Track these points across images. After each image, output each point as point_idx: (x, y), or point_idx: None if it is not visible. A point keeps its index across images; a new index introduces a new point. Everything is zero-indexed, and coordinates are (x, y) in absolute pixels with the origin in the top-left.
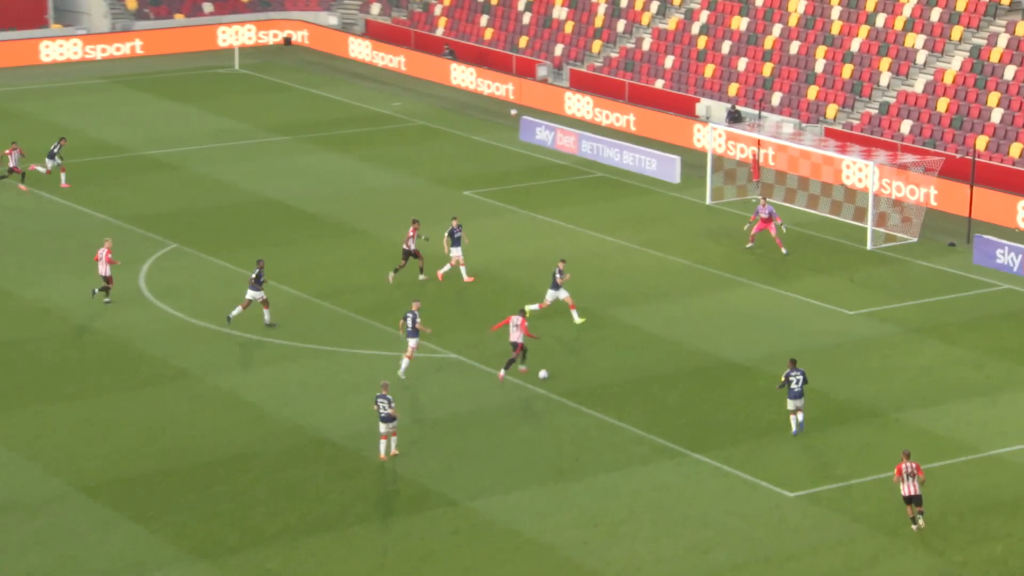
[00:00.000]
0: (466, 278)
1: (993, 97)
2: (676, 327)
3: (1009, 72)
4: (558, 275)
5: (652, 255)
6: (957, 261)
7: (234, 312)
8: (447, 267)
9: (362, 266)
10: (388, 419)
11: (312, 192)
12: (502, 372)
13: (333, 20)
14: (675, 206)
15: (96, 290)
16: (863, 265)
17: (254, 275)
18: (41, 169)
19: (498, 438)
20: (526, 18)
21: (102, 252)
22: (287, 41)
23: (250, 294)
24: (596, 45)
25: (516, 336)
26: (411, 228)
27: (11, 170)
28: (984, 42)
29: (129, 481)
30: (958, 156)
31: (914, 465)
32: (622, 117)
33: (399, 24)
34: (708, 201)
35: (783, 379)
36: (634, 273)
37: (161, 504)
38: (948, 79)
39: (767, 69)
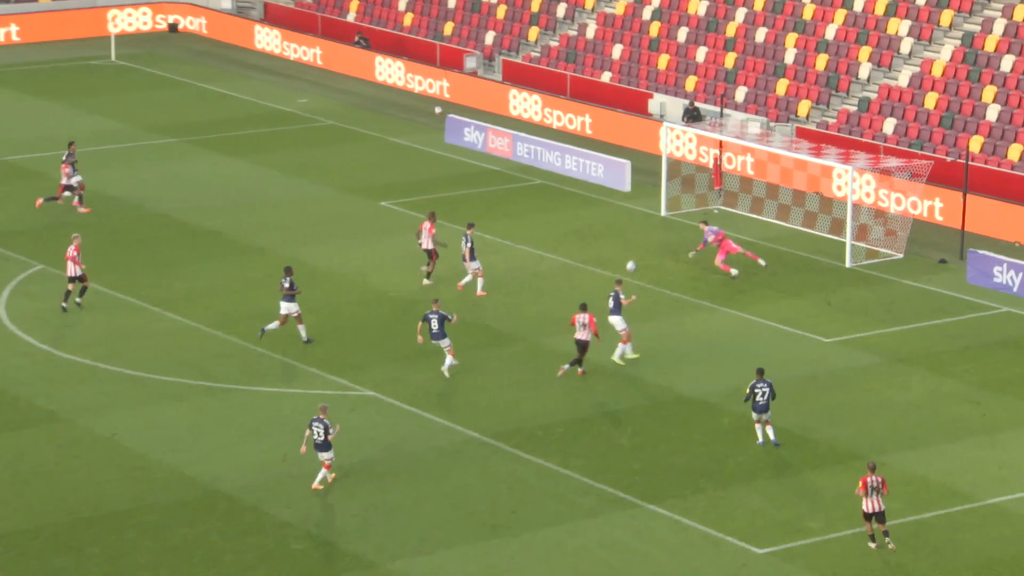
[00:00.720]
0: (481, 288)
1: (988, 92)
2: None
3: (1006, 63)
4: (621, 297)
5: (599, 274)
6: (949, 280)
7: (270, 326)
8: (479, 281)
9: (261, 290)
10: (323, 447)
11: (202, 203)
12: (565, 367)
13: (226, 3)
14: (625, 217)
15: (64, 304)
16: (841, 285)
17: (287, 284)
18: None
19: (422, 488)
20: (452, 1)
21: (70, 250)
22: (173, 27)
23: (284, 307)
24: (533, 32)
25: (583, 335)
26: (428, 222)
27: (66, 188)
28: (978, 28)
29: None
30: (949, 159)
31: (880, 479)
32: (576, 119)
33: (303, 8)
34: (663, 212)
35: (748, 391)
36: (578, 295)
37: (26, 568)
38: (937, 71)
39: (730, 60)
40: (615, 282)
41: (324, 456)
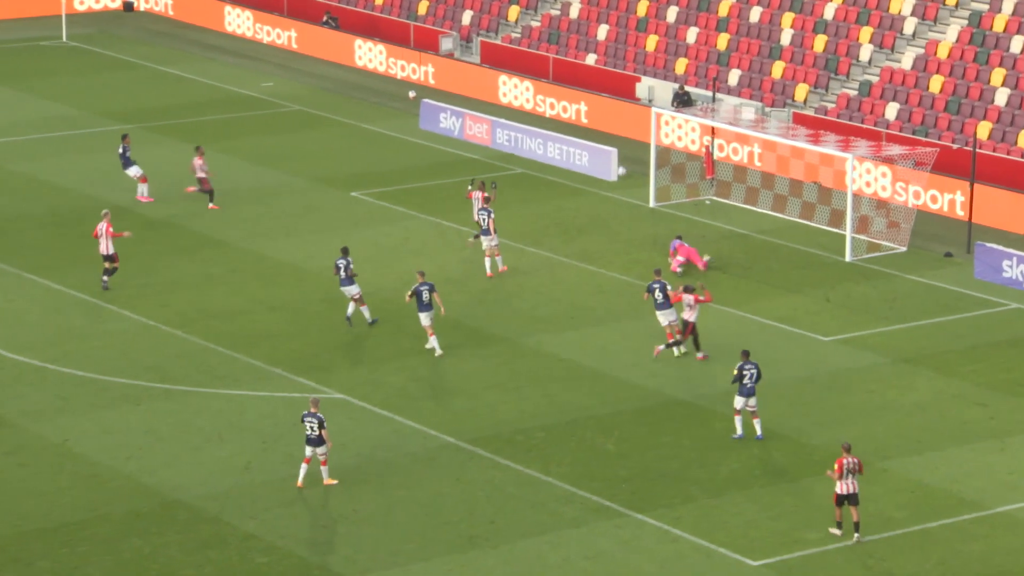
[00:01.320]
0: (492, 270)
1: (997, 75)
2: (614, 358)
3: (1016, 44)
4: (669, 289)
5: (584, 269)
6: (955, 275)
7: (368, 314)
8: (498, 260)
9: (224, 286)
10: (315, 443)
11: (160, 194)
12: (660, 348)
13: None
14: (612, 209)
15: (105, 279)
16: (841, 281)
17: (343, 266)
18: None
19: (395, 497)
20: None
21: (102, 227)
22: (128, 6)
23: (349, 290)
24: (513, 12)
25: (689, 315)
26: (478, 191)
27: (200, 182)
28: (986, 7)
29: None
30: (955, 147)
31: (856, 460)
32: (570, 106)
33: None
34: (652, 203)
35: (736, 372)
36: (562, 292)
37: None
38: (943, 53)
39: (722, 41)
40: (654, 272)
41: (319, 451)
